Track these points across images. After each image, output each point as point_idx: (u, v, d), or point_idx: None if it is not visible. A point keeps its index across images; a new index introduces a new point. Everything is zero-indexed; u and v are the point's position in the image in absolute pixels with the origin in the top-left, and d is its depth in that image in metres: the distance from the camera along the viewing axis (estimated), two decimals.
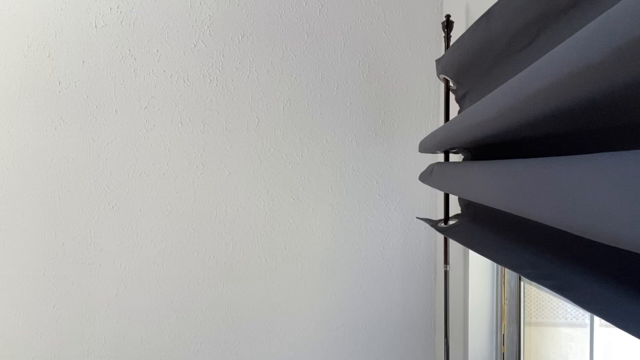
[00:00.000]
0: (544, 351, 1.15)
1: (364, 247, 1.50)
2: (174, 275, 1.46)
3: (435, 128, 1.46)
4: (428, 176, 1.09)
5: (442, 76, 1.10)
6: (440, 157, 1.36)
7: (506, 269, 1.24)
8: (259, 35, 1.44)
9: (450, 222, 1.08)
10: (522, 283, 1.21)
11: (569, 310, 1.06)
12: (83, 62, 1.40)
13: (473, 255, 1.24)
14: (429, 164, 1.16)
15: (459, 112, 1.12)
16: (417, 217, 1.39)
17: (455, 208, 1.15)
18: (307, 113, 1.46)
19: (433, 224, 1.15)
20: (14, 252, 1.42)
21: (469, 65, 0.92)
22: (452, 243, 1.28)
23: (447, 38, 1.16)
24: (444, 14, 1.18)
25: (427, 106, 1.49)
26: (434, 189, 1.49)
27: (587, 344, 0.94)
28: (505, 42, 0.74)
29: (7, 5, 1.38)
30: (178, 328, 1.47)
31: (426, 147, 1.10)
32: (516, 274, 1.22)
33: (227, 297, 1.48)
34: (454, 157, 1.15)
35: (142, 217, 1.44)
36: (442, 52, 1.39)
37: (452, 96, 1.15)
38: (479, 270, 1.24)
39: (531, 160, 0.51)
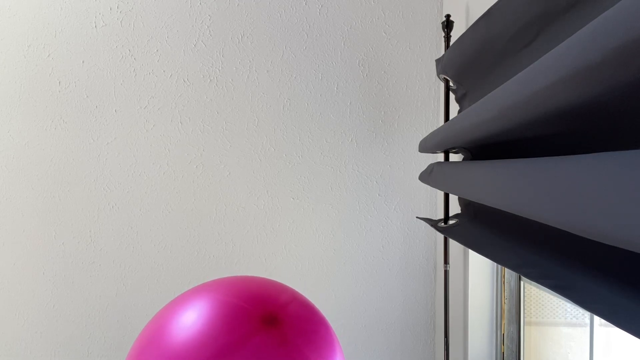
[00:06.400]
0: (544, 351, 1.15)
1: (364, 247, 1.50)
2: (174, 275, 1.46)
3: (435, 128, 1.46)
4: (428, 176, 1.09)
5: (442, 76, 1.10)
6: (440, 156, 1.36)
7: (506, 269, 1.24)
8: (259, 35, 1.44)
9: (450, 222, 1.08)
10: (522, 283, 1.21)
11: (568, 309, 1.07)
12: (83, 62, 1.40)
13: (473, 255, 1.24)
14: (429, 163, 1.16)
15: (459, 112, 1.12)
16: (417, 217, 1.39)
17: (455, 208, 1.15)
18: (307, 113, 1.46)
19: (433, 223, 1.15)
20: (14, 252, 1.42)
21: (469, 65, 0.92)
22: (452, 243, 1.28)
23: (447, 38, 1.16)
24: (444, 14, 1.18)
25: (427, 106, 1.49)
26: (434, 189, 1.49)
27: (587, 344, 0.94)
28: (505, 42, 0.75)
29: (7, 5, 1.38)
30: None
31: (426, 146, 1.11)
32: (516, 273, 1.23)
33: None
34: (454, 157, 1.15)
35: (142, 217, 1.44)
36: (442, 52, 1.39)
37: (452, 96, 1.15)
38: (479, 270, 1.24)
39: (531, 160, 0.51)
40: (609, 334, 0.91)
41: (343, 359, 0.84)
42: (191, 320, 0.74)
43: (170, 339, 0.72)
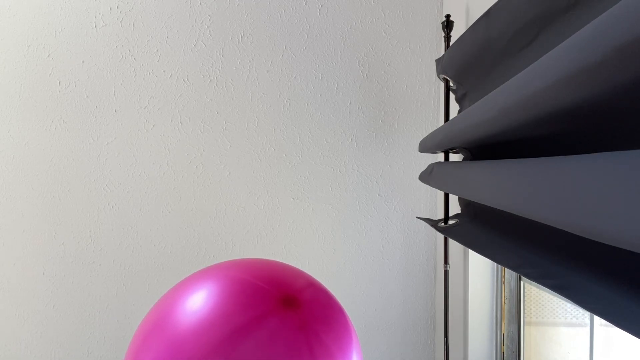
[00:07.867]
0: (543, 351, 1.15)
1: (364, 247, 1.50)
2: (174, 275, 1.46)
3: (435, 128, 1.46)
4: (428, 176, 1.09)
5: (442, 76, 1.10)
6: (440, 156, 1.36)
7: (506, 269, 1.24)
8: (259, 35, 1.44)
9: (450, 222, 1.08)
10: (522, 283, 1.21)
11: (568, 309, 1.07)
12: (83, 62, 1.40)
13: (473, 255, 1.24)
14: (429, 163, 1.16)
15: (459, 112, 1.12)
16: (417, 217, 1.39)
17: (455, 208, 1.15)
18: (307, 113, 1.46)
19: (433, 223, 1.15)
20: (14, 252, 1.42)
21: (469, 65, 0.92)
22: (452, 243, 1.28)
23: (447, 38, 1.16)
24: (444, 14, 1.18)
25: (427, 106, 1.49)
26: (434, 189, 1.49)
27: (587, 344, 0.94)
28: (505, 42, 0.74)
29: (7, 5, 1.38)
30: None
31: (426, 147, 1.11)
32: (516, 273, 1.23)
33: None
34: (454, 157, 1.15)
35: (142, 217, 1.44)
36: (442, 52, 1.39)
37: (452, 96, 1.15)
38: (479, 270, 1.24)
39: (531, 160, 0.51)
40: (609, 334, 0.91)
41: (360, 350, 0.78)
42: (203, 298, 0.68)
43: (180, 318, 0.67)
